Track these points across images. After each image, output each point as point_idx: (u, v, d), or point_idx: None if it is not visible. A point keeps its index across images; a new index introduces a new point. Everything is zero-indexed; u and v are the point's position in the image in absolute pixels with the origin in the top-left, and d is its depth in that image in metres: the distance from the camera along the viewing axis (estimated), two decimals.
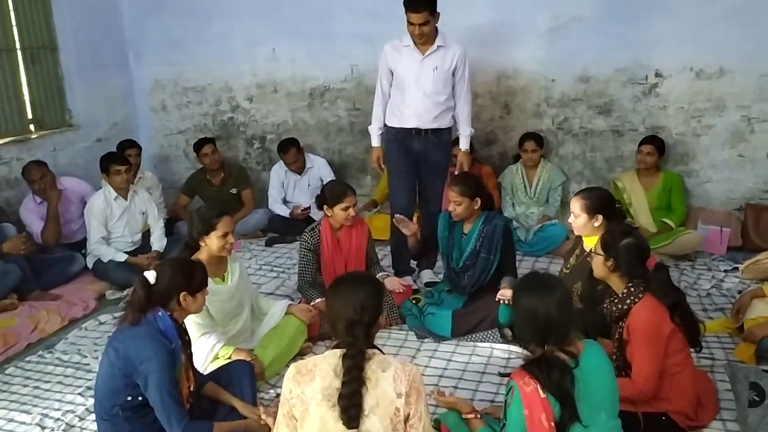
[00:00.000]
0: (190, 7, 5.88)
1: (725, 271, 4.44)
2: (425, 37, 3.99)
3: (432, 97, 4.08)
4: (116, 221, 4.72)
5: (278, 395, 2.99)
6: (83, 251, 4.76)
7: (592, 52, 5.03)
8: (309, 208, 5.50)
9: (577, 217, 3.30)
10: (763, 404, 2.61)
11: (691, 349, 2.74)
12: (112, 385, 2.43)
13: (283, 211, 5.60)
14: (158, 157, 6.41)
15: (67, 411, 3.07)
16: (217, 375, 2.88)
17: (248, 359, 3.05)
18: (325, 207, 3.79)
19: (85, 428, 2.95)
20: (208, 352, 3.09)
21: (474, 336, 3.60)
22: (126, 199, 4.75)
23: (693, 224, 4.88)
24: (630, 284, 2.64)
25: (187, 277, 2.54)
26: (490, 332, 3.58)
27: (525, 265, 4.58)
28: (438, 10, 3.95)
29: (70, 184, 5.00)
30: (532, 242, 4.96)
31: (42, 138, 5.34)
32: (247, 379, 2.88)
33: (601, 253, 2.70)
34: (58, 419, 3.00)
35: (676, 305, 2.60)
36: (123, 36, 6.10)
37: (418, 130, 4.14)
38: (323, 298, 3.68)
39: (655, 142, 4.85)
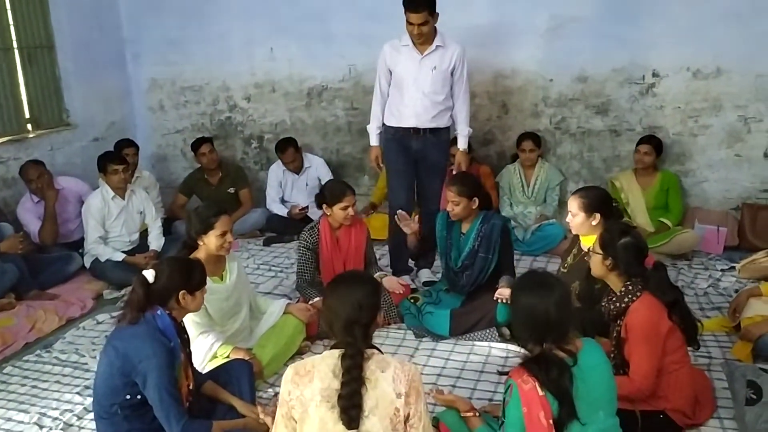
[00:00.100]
0: (188, 6, 5.88)
1: (722, 270, 4.45)
2: (424, 37, 4.00)
3: (430, 96, 4.09)
4: (114, 221, 4.71)
5: (276, 394, 3.00)
6: (81, 251, 4.76)
7: (590, 52, 5.04)
8: (307, 207, 5.51)
9: (575, 216, 3.31)
10: (760, 402, 2.62)
11: (689, 348, 2.76)
12: (110, 383, 2.43)
13: (281, 211, 5.60)
14: (156, 156, 6.41)
15: (66, 410, 3.07)
16: (216, 374, 2.89)
17: (247, 358, 3.05)
18: (324, 206, 3.79)
19: (83, 427, 2.95)
20: (206, 351, 3.09)
21: (472, 335, 3.61)
22: (123, 198, 4.75)
23: (690, 224, 4.90)
24: (628, 282, 2.65)
25: (186, 275, 2.54)
26: (488, 331, 3.59)
27: (523, 265, 4.59)
28: (437, 11, 3.96)
29: (67, 184, 4.99)
30: (530, 242, 4.97)
31: (39, 137, 5.33)
32: (246, 378, 2.88)
33: (600, 251, 2.71)
34: (56, 418, 3.00)
35: (675, 303, 2.62)
36: (120, 35, 6.09)
37: (416, 130, 4.15)
38: (321, 297, 3.68)
39: (652, 142, 4.86)
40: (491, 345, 3.55)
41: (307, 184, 5.67)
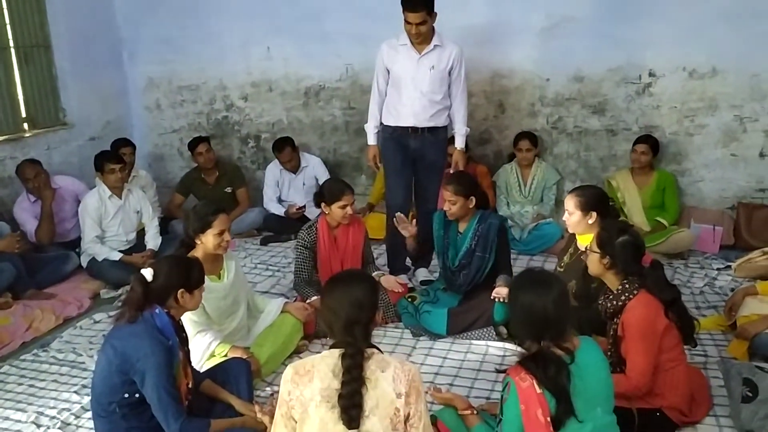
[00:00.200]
0: (185, 5, 5.87)
1: (718, 269, 4.47)
2: (422, 36, 4.01)
3: (428, 95, 4.10)
4: (111, 220, 4.70)
5: (273, 393, 3.01)
6: (77, 250, 4.75)
7: (586, 51, 5.05)
8: (304, 207, 5.51)
9: (571, 215, 3.33)
10: (756, 400, 2.64)
11: (685, 346, 2.77)
12: (109, 382, 2.43)
13: (278, 210, 5.60)
14: (152, 155, 6.40)
15: (63, 409, 3.07)
16: (214, 373, 2.89)
17: (244, 357, 3.06)
18: (323, 205, 3.79)
19: (81, 426, 2.95)
20: (204, 350, 3.10)
21: (469, 334, 3.62)
22: (120, 197, 4.74)
23: (686, 223, 4.92)
24: (625, 281, 2.66)
25: (185, 274, 2.54)
26: (485, 330, 3.60)
27: (520, 264, 4.60)
28: (435, 10, 3.96)
29: (64, 183, 4.98)
30: (527, 241, 4.98)
31: (36, 137, 5.32)
32: (244, 376, 2.88)
33: (598, 250, 2.72)
34: (53, 417, 3.00)
35: (673, 302, 2.63)
36: (117, 34, 6.08)
37: (414, 129, 4.16)
38: (319, 296, 3.69)
39: (649, 142, 4.88)
40: (488, 344, 3.55)
41: (304, 184, 5.67)
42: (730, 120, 4.89)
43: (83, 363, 3.53)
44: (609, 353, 2.67)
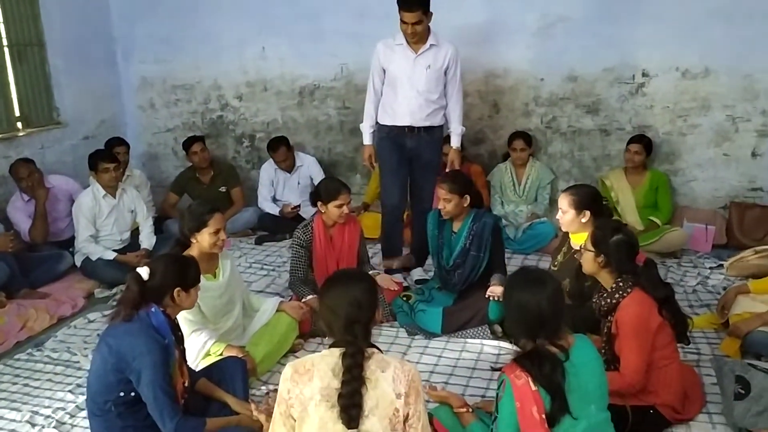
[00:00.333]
0: (179, 5, 5.86)
1: (710, 268, 4.50)
2: (418, 36, 4.02)
3: (425, 95, 4.11)
4: (105, 219, 4.69)
5: (269, 392, 3.01)
6: (71, 249, 4.73)
7: (580, 51, 5.08)
8: (299, 206, 5.51)
9: (565, 213, 3.34)
10: (748, 397, 2.65)
11: (679, 344, 2.79)
12: (104, 380, 2.42)
13: (273, 210, 5.60)
14: (146, 155, 6.39)
15: (58, 408, 3.06)
16: (209, 371, 2.88)
17: (240, 356, 3.05)
18: (319, 204, 3.79)
19: (75, 425, 2.94)
20: (199, 349, 3.09)
21: (464, 333, 3.63)
22: (114, 197, 4.73)
23: (679, 222, 4.95)
24: (619, 279, 2.68)
25: (181, 272, 2.54)
26: (480, 329, 3.61)
27: (514, 263, 4.61)
28: (431, 10, 3.97)
29: (57, 182, 4.97)
30: (521, 240, 5.00)
31: (29, 136, 5.30)
32: (239, 375, 2.87)
33: (592, 249, 2.74)
34: (48, 416, 2.99)
35: (666, 300, 2.65)
36: (111, 33, 6.07)
37: (411, 128, 4.17)
38: (314, 295, 3.69)
39: (642, 141, 4.91)
40: (483, 342, 3.57)
41: (298, 183, 5.67)
42: (723, 120, 4.93)
43: (78, 362, 3.52)
44: (603, 351, 2.69)
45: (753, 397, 2.65)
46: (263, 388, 3.18)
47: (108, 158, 4.71)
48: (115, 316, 2.48)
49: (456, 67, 4.16)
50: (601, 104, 5.17)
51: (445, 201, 3.69)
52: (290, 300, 3.79)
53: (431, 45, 4.07)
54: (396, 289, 3.93)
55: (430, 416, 2.52)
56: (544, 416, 2.05)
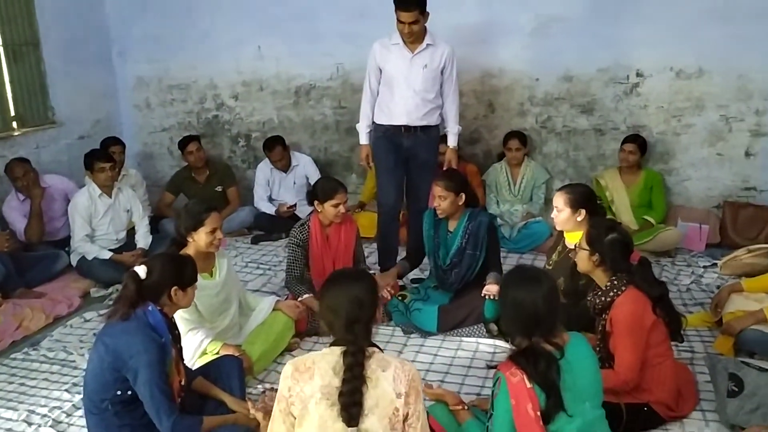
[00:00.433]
0: (175, 4, 5.86)
1: (704, 267, 4.53)
2: (415, 35, 4.03)
3: (421, 94, 4.12)
4: (101, 219, 4.69)
5: (265, 390, 3.02)
6: (67, 249, 4.73)
7: (575, 52, 5.10)
8: (295, 205, 5.52)
9: (561, 212, 3.36)
10: (742, 394, 2.67)
11: (673, 342, 2.81)
12: (101, 379, 2.43)
13: (269, 209, 5.60)
14: (142, 154, 6.38)
15: (54, 407, 3.07)
16: (206, 370, 2.89)
17: (236, 354, 3.06)
18: (315, 203, 3.80)
19: (72, 424, 2.95)
20: (196, 348, 3.10)
21: (460, 331, 3.64)
22: (110, 196, 4.73)
23: (673, 221, 4.97)
24: (613, 277, 2.70)
25: (178, 271, 2.55)
26: (475, 327, 3.62)
27: (509, 262, 4.63)
28: (427, 10, 3.99)
29: (53, 182, 4.97)
30: (517, 239, 5.02)
31: (25, 135, 5.29)
32: (236, 373, 2.88)
33: (587, 247, 2.76)
34: (44, 415, 3.00)
35: (661, 298, 2.67)
36: (106, 33, 6.06)
37: (407, 128, 4.18)
38: (310, 294, 3.71)
39: (637, 141, 4.93)
40: (479, 341, 3.58)
41: (294, 183, 5.68)
42: (717, 120, 4.95)
43: (74, 362, 3.53)
44: (597, 349, 2.71)
45: (746, 395, 2.67)
46: (259, 386, 3.19)
47: (104, 158, 4.71)
48: (112, 315, 2.48)
49: (452, 67, 4.18)
50: (596, 104, 5.19)
51: (440, 199, 3.71)
52: (286, 299, 3.80)
53: (428, 45, 4.09)
54: (391, 292, 3.92)
55: (426, 414, 2.54)
56: (539, 413, 2.06)
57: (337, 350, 2.04)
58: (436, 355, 3.49)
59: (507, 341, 3.35)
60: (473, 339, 3.60)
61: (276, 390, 2.83)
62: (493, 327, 3.57)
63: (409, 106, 4.14)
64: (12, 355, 3.65)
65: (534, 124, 5.38)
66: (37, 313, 4.08)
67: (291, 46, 5.70)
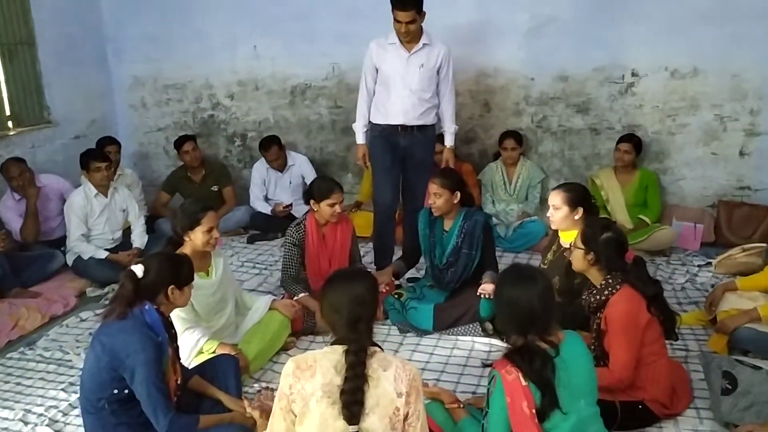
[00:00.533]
0: (171, 4, 5.85)
1: (699, 265, 4.55)
2: (411, 35, 4.04)
3: (418, 93, 4.13)
4: (96, 218, 4.69)
5: (261, 389, 3.02)
6: (63, 248, 4.72)
7: (570, 51, 5.11)
8: (290, 205, 5.53)
9: (558, 210, 3.37)
10: (735, 392, 2.69)
11: (667, 341, 2.83)
12: (98, 378, 2.43)
13: (265, 209, 5.61)
14: (138, 154, 6.38)
15: (50, 406, 3.07)
16: (202, 369, 2.89)
17: (233, 353, 3.06)
18: (311, 202, 3.81)
19: (68, 423, 2.95)
20: (192, 347, 3.10)
21: (455, 330, 3.65)
22: (106, 196, 4.73)
23: (668, 220, 4.99)
24: (608, 276, 2.71)
25: (175, 270, 2.55)
26: (471, 326, 3.63)
27: (505, 261, 4.64)
28: (424, 10, 4.00)
29: (48, 181, 4.96)
30: (512, 238, 5.03)
31: (20, 135, 5.28)
32: (232, 372, 2.89)
33: (582, 246, 2.77)
34: (41, 414, 3.00)
35: (655, 296, 2.68)
36: (102, 32, 6.06)
37: (404, 127, 4.19)
38: (306, 293, 3.71)
39: (632, 141, 4.95)
40: (474, 339, 3.59)
41: (290, 182, 5.68)
42: (711, 119, 4.98)
43: (70, 361, 3.53)
44: (592, 347, 2.72)
45: (740, 392, 2.68)
46: (255, 385, 3.20)
47: (100, 157, 4.70)
48: (109, 314, 2.48)
49: (448, 67, 4.19)
50: (591, 104, 5.21)
51: (435, 196, 3.71)
52: (282, 298, 3.80)
53: (424, 44, 4.10)
54: (387, 290, 3.93)
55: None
56: (534, 411, 2.07)
57: (339, 349, 2.04)
58: (431, 353, 3.50)
59: (502, 340, 3.36)
60: (469, 338, 3.61)
61: (271, 389, 2.86)
62: (489, 326, 3.59)
63: (405, 106, 4.14)
64: (8, 355, 3.64)
65: (529, 124, 5.40)
66: (32, 312, 4.08)
67: (287, 46, 5.70)
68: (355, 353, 2.01)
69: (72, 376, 3.34)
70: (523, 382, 2.08)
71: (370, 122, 4.31)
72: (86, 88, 5.91)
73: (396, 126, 4.19)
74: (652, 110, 5.09)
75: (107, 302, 3.75)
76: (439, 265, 3.87)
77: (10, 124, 5.31)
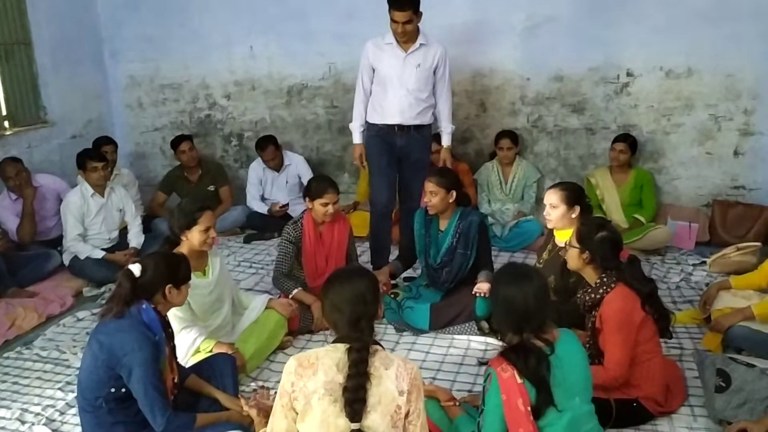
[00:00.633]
0: (167, 4, 5.85)
1: (693, 264, 4.57)
2: (408, 35, 4.05)
3: (414, 93, 4.14)
4: (93, 218, 4.68)
5: (257, 388, 3.03)
6: (59, 248, 4.72)
7: (566, 51, 5.13)
8: (287, 205, 5.53)
9: (556, 208, 3.38)
10: (729, 390, 2.71)
11: (662, 339, 2.85)
12: (95, 377, 2.44)
13: (261, 209, 5.61)
14: (134, 154, 6.38)
15: (48, 405, 3.07)
16: (199, 368, 2.90)
17: (230, 352, 3.07)
18: (306, 200, 3.82)
19: (65, 422, 2.96)
20: (189, 346, 3.11)
21: (451, 329, 3.67)
22: (103, 196, 4.72)
23: (663, 220, 5.02)
24: (603, 275, 2.73)
25: (173, 269, 2.56)
26: (467, 325, 3.65)
27: (501, 261, 4.65)
28: (420, 10, 4.01)
29: (45, 181, 4.95)
30: (508, 238, 5.05)
31: (16, 135, 5.28)
32: (229, 371, 2.90)
33: (577, 245, 2.78)
34: (38, 414, 3.01)
35: (650, 295, 2.70)
36: (98, 32, 6.05)
37: (401, 127, 4.20)
38: (299, 288, 3.72)
39: (627, 140, 4.97)
40: (470, 338, 3.61)
41: (287, 182, 5.69)
42: (706, 119, 5.00)
43: (66, 360, 3.53)
44: (587, 345, 2.74)
45: (733, 390, 2.70)
46: (252, 384, 3.21)
47: (96, 157, 4.70)
48: (106, 313, 2.49)
49: (445, 67, 4.21)
50: (587, 103, 5.23)
51: (431, 194, 3.72)
52: (279, 297, 3.81)
53: (421, 44, 4.11)
54: (384, 289, 3.94)
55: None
56: (529, 408, 2.09)
57: (341, 347, 2.05)
58: (428, 352, 3.52)
59: (498, 338, 3.38)
60: (465, 336, 3.63)
61: (267, 388, 2.87)
62: (484, 324, 3.61)
63: (402, 105, 4.16)
64: (5, 354, 3.65)
65: (525, 124, 5.42)
66: (29, 312, 4.08)
67: (283, 46, 5.71)
68: (358, 351, 2.01)
69: (69, 375, 3.34)
70: (519, 380, 2.09)
71: (366, 122, 4.32)
72: (83, 88, 5.91)
73: (393, 126, 4.20)
74: (647, 110, 5.11)
75: (104, 302, 3.74)
76: (433, 265, 3.88)
77: (6, 123, 5.30)
